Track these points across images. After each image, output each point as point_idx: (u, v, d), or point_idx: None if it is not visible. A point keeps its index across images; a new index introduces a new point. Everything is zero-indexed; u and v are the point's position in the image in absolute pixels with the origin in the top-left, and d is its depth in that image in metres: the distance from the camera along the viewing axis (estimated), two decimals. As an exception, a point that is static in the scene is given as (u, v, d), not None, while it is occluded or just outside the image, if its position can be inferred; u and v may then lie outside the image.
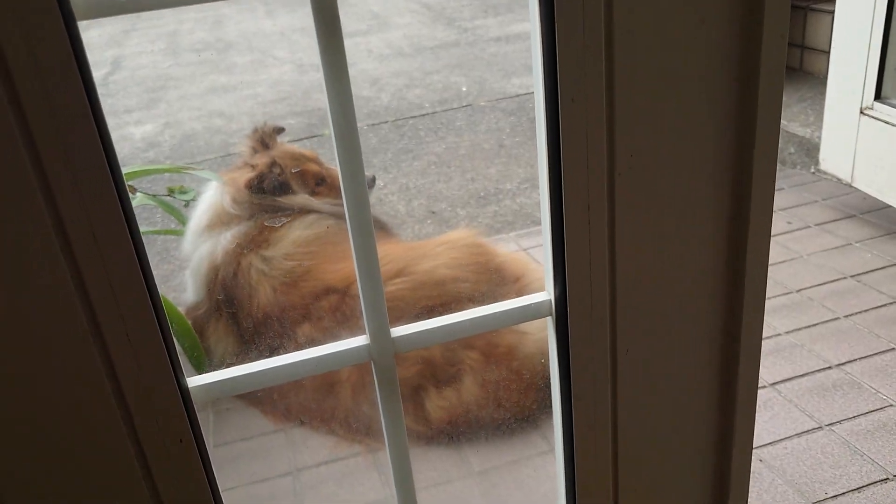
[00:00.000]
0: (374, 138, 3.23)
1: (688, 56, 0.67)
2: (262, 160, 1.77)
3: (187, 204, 1.84)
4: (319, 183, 1.83)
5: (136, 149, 3.35)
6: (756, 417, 0.85)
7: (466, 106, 3.54)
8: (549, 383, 0.82)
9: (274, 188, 1.73)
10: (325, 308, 1.57)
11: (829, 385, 1.56)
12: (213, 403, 1.66)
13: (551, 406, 0.82)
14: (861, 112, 2.10)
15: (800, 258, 2.03)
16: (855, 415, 1.48)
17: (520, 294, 1.48)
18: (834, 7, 2.16)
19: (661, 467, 0.85)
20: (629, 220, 0.71)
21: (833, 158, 2.27)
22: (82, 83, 0.54)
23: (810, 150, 2.56)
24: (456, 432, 1.51)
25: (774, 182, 0.74)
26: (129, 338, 0.61)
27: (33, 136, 0.54)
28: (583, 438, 0.80)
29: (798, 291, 1.89)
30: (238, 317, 1.65)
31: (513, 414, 1.52)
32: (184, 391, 0.66)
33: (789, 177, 2.49)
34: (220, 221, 1.73)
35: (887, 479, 1.33)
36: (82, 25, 0.54)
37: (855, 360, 1.63)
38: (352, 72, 0.63)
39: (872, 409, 1.49)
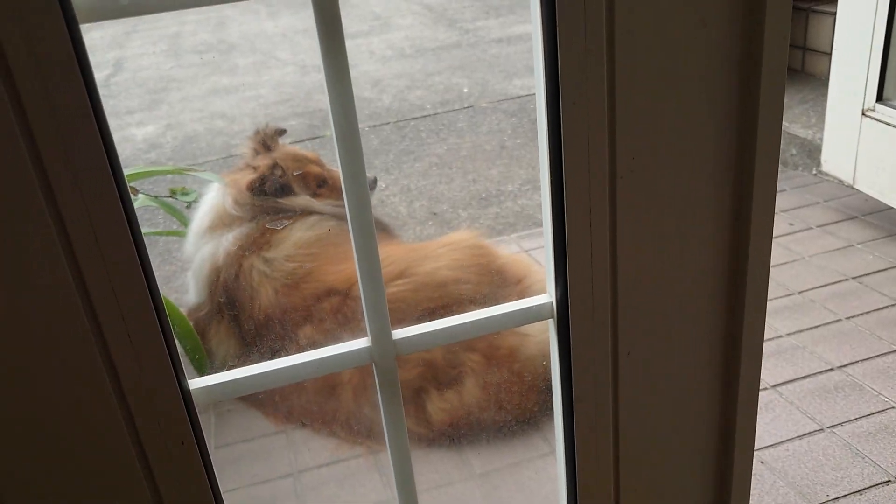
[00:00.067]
0: (375, 140, 3.23)
1: (689, 57, 0.67)
2: (263, 162, 1.78)
3: (189, 205, 1.83)
4: (321, 184, 1.83)
5: (138, 150, 3.36)
6: (757, 419, 0.85)
7: (468, 107, 3.54)
8: (551, 385, 0.82)
9: (275, 190, 1.73)
10: (326, 310, 1.57)
11: (831, 387, 1.56)
12: (214, 405, 1.66)
13: (552, 408, 0.82)
14: (863, 114, 2.10)
15: (801, 260, 2.03)
16: (856, 417, 1.48)
17: (522, 296, 1.48)
18: (836, 8, 2.16)
19: (662, 469, 0.85)
20: (631, 223, 0.71)
21: (835, 160, 2.27)
22: (84, 84, 0.54)
23: (812, 151, 2.56)
24: (457, 434, 1.51)
25: (776, 183, 0.73)
26: (131, 339, 0.61)
27: (34, 135, 0.54)
28: (584, 440, 0.80)
29: (799, 293, 1.88)
30: (240, 318, 1.65)
31: (514, 416, 1.52)
32: (185, 393, 0.66)
33: (791, 178, 2.49)
34: (221, 223, 1.73)
35: (889, 481, 1.33)
36: (84, 27, 0.55)
37: (856, 361, 1.63)
38: (353, 73, 0.63)
39: (874, 411, 1.49)
